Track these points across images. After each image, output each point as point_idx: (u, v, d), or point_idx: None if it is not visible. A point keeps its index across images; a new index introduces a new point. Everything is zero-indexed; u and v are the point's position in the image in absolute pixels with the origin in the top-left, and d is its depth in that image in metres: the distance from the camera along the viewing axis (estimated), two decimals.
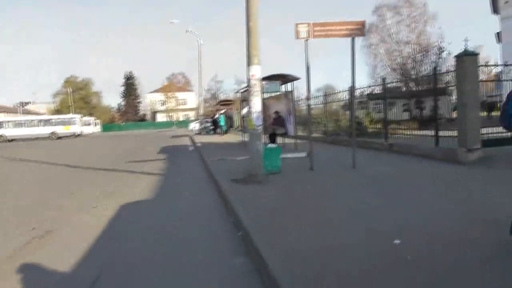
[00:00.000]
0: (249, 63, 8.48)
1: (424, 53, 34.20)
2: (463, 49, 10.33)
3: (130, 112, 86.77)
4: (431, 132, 12.19)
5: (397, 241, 4.20)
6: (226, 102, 37.12)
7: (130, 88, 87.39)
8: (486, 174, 8.49)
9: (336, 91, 18.87)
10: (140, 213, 6.90)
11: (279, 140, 16.11)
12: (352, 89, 10.92)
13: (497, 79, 10.56)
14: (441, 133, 11.56)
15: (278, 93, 15.80)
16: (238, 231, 5.32)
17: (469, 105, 10.02)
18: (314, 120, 22.39)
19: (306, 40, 9.58)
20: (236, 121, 39.05)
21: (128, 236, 5.54)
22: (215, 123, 34.44)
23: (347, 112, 20.91)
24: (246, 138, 20.53)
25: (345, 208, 5.96)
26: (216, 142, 22.39)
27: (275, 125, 15.54)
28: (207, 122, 38.74)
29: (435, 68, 11.49)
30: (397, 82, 28.09)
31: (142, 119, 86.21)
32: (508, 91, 10.15)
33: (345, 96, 20.25)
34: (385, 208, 5.82)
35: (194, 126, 47.58)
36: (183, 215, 6.59)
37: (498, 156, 10.05)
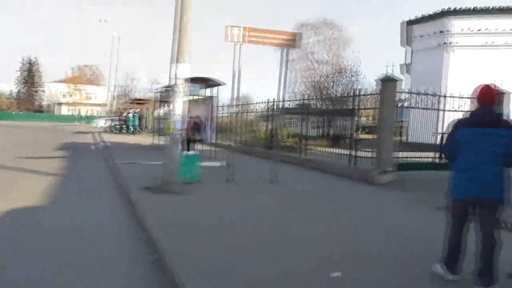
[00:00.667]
0: (176, 60, 7.69)
1: (340, 74, 35.84)
2: (385, 74, 10.61)
3: (29, 101, 78.60)
4: (345, 151, 12.41)
5: (336, 274, 3.77)
6: (139, 101, 35.21)
7: (30, 75, 79.19)
8: (395, 196, 8.59)
9: (256, 102, 18.64)
10: (20, 232, 5.23)
11: (195, 147, 15.31)
12: (278, 102, 10.64)
13: (407, 106, 10.97)
14: (358, 153, 11.77)
15: (198, 97, 15.06)
16: (151, 252, 4.51)
17: (386, 128, 10.28)
18: (231, 129, 22.04)
19: (238, 44, 9.07)
20: (150, 121, 37.29)
21: None
22: (124, 121, 32.39)
23: (265, 124, 20.91)
24: (160, 141, 19.36)
25: (266, 228, 5.45)
26: (127, 143, 20.78)
27: (192, 130, 14.73)
28: (117, 120, 36.36)
29: (357, 90, 11.69)
30: (316, 99, 28.89)
31: (40, 110, 78.36)
32: (412, 118, 10.39)
33: (264, 107, 20.26)
34: (305, 227, 5.45)
35: (103, 123, 44.74)
36: (83, 231, 5.41)
37: (409, 180, 10.39)
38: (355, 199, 8.25)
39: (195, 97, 15.35)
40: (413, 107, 10.98)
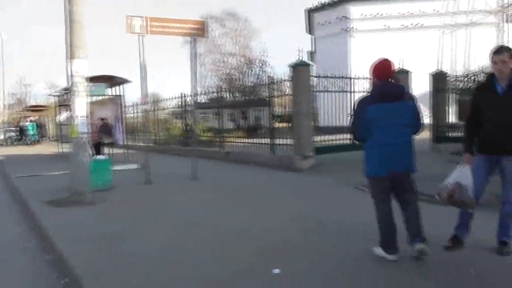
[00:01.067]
0: (71, 56, 6.86)
1: (249, 65, 36.08)
2: (296, 60, 10.64)
3: None
4: (263, 140, 12.35)
5: (276, 271, 3.51)
6: (37, 108, 32.10)
7: None
8: (318, 180, 8.67)
9: (167, 98, 17.83)
10: None
11: (106, 150, 14.21)
12: (192, 97, 10.15)
13: (321, 90, 11.15)
14: (276, 141, 11.75)
15: (104, 97, 13.96)
16: (61, 276, 3.87)
17: (303, 113, 10.34)
18: (143, 129, 20.97)
19: (141, 36, 8.42)
20: (51, 129, 34.21)
21: None
22: (21, 131, 29.30)
23: (179, 120, 20.19)
24: (65, 149, 17.73)
25: (187, 227, 5.05)
26: (26, 154, 18.72)
27: (101, 133, 13.63)
28: (12, 130, 32.83)
29: (269, 78, 11.58)
30: (229, 91, 28.64)
31: None
32: (322, 102, 10.51)
33: (176, 103, 19.52)
34: (232, 219, 5.15)
35: None
36: None
37: (328, 163, 10.59)
38: (280, 187, 8.15)
39: (101, 98, 14.22)
40: (325, 91, 11.16)
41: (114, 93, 13.84)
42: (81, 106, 6.90)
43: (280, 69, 58.88)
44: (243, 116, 32.87)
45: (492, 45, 6.43)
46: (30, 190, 8.12)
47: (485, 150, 3.78)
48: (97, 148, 13.57)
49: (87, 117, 7.02)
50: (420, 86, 12.45)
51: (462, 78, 13.41)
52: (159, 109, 18.97)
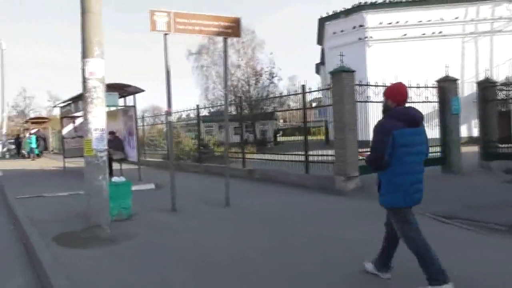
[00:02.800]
0: (85, 54, 5.51)
1: (257, 77, 34.80)
2: (339, 66, 9.32)
3: None
4: (292, 157, 11.00)
5: None
6: (38, 120, 30.76)
7: None
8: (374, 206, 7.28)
9: (180, 110, 16.47)
10: None
11: (115, 166, 12.79)
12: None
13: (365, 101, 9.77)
14: (309, 158, 10.38)
15: (114, 108, 12.61)
16: None
17: (347, 126, 8.98)
18: (151, 143, 19.60)
19: (166, 35, 7.10)
20: (53, 142, 32.84)
21: None
22: (19, 144, 27.91)
23: (191, 134, 18.82)
24: (69, 163, 16.34)
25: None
26: (27, 170, 17.24)
27: (111, 148, 12.23)
28: (11, 144, 31.48)
29: (303, 86, 10.23)
30: (253, 101, 27.30)
31: None
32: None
33: (189, 115, 18.19)
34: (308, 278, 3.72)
35: None
36: None
37: (373, 184, 9.19)
38: (338, 216, 6.67)
39: (111, 109, 12.88)
40: (366, 101, 9.75)
41: (124, 104, 12.48)
42: (98, 117, 5.54)
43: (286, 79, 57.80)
44: (251, 130, 31.67)
45: None
46: (34, 219, 6.68)
47: None
48: (109, 165, 12.18)
49: (105, 131, 5.65)
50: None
51: (502, 87, 12.16)
52: (178, 121, 17.63)
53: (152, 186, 10.29)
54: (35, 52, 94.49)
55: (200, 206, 7.75)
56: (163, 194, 9.07)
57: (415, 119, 3.39)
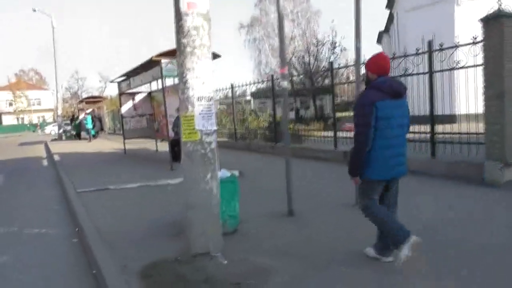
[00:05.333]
0: None
1: (318, 47, 31.97)
2: (495, 10, 6.67)
3: None
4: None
5: None
6: (93, 100, 29.81)
7: None
8: None
9: (249, 83, 14.25)
10: None
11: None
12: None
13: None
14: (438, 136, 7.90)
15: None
16: None
17: (509, 94, 6.40)
18: (220, 121, 17.57)
19: None
20: (108, 122, 31.97)
21: None
22: (78, 126, 26.92)
23: (261, 111, 16.71)
24: (129, 145, 14.72)
25: None
26: (85, 153, 15.77)
27: (179, 127, 10.30)
28: (67, 124, 30.88)
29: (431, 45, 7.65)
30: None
31: None
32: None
33: (260, 88, 16.07)
34: None
35: (52, 129, 41.03)
36: None
37: None
38: None
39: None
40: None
41: None
42: (203, 78, 3.41)
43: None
44: (306, 105, 29.39)
45: None
46: (103, 230, 4.77)
47: None
48: (176, 149, 10.29)
49: (213, 100, 3.52)
50: None
51: None
52: (238, 97, 15.57)
53: (236, 173, 8.23)
54: (85, 32, 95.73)
55: (318, 207, 5.52)
56: (254, 185, 7.05)
57: (398, 91, 3.30)
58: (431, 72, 8.00)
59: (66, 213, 6.37)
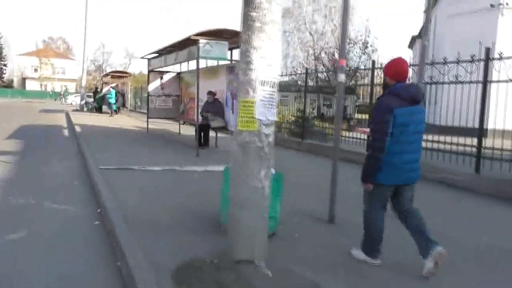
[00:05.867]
0: None
1: (350, 45, 31.13)
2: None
3: None
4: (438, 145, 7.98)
5: None
6: (119, 74, 29.59)
7: None
8: None
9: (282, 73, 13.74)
10: None
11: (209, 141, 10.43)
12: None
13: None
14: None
15: (221, 62, 10.16)
16: None
17: None
18: None
19: None
20: (131, 99, 31.76)
21: None
22: (102, 98, 26.64)
23: (291, 104, 16.19)
24: (151, 124, 14.40)
25: None
26: (107, 128, 15.47)
27: (208, 112, 9.86)
28: (89, 97, 30.79)
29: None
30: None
31: (8, 85, 70.58)
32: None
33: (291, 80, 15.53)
34: None
35: (75, 99, 41.77)
36: None
37: None
38: None
39: (211, 65, 10.50)
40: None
41: (231, 58, 9.97)
42: (269, 59, 2.93)
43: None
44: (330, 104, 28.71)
45: None
46: (128, 216, 4.36)
47: None
48: (202, 133, 9.87)
49: (276, 83, 3.05)
50: None
51: None
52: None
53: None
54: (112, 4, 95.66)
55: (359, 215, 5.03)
56: (289, 182, 6.57)
57: (416, 98, 3.24)
58: (485, 82, 7.38)
59: (87, 190, 6.01)
